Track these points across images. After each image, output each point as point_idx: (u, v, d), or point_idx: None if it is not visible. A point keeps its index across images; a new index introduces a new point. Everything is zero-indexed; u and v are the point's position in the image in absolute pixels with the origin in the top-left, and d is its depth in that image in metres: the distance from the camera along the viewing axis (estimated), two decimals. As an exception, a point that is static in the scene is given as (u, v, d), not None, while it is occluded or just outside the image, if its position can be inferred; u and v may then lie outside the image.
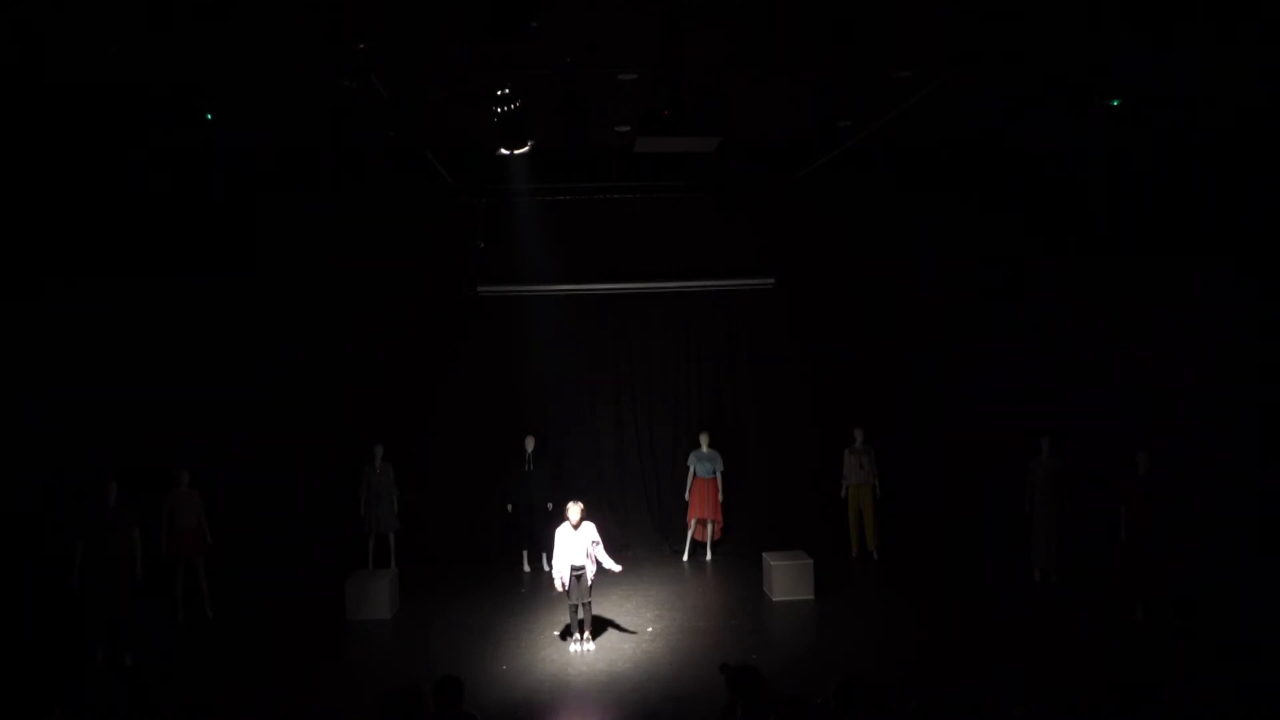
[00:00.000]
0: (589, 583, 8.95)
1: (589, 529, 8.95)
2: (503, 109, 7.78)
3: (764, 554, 10.87)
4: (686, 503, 12.28)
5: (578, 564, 8.85)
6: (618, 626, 9.61)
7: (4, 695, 7.62)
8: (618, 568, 9.14)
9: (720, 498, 12.20)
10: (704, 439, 12.25)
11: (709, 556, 12.32)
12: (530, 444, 11.85)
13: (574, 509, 8.94)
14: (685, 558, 12.34)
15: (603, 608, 9.81)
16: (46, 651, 8.90)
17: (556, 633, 9.45)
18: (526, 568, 11.96)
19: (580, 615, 8.99)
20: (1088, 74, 8.15)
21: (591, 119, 8.41)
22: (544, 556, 11.79)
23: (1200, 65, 7.81)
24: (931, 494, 12.29)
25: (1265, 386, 9.37)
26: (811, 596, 10.34)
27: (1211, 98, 8.60)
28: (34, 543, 9.50)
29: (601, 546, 9.00)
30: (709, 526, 12.34)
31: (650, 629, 9.57)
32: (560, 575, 8.89)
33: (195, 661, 9.03)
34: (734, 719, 5.09)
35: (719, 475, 12.17)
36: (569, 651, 8.94)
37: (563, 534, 8.93)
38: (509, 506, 11.81)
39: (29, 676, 8.36)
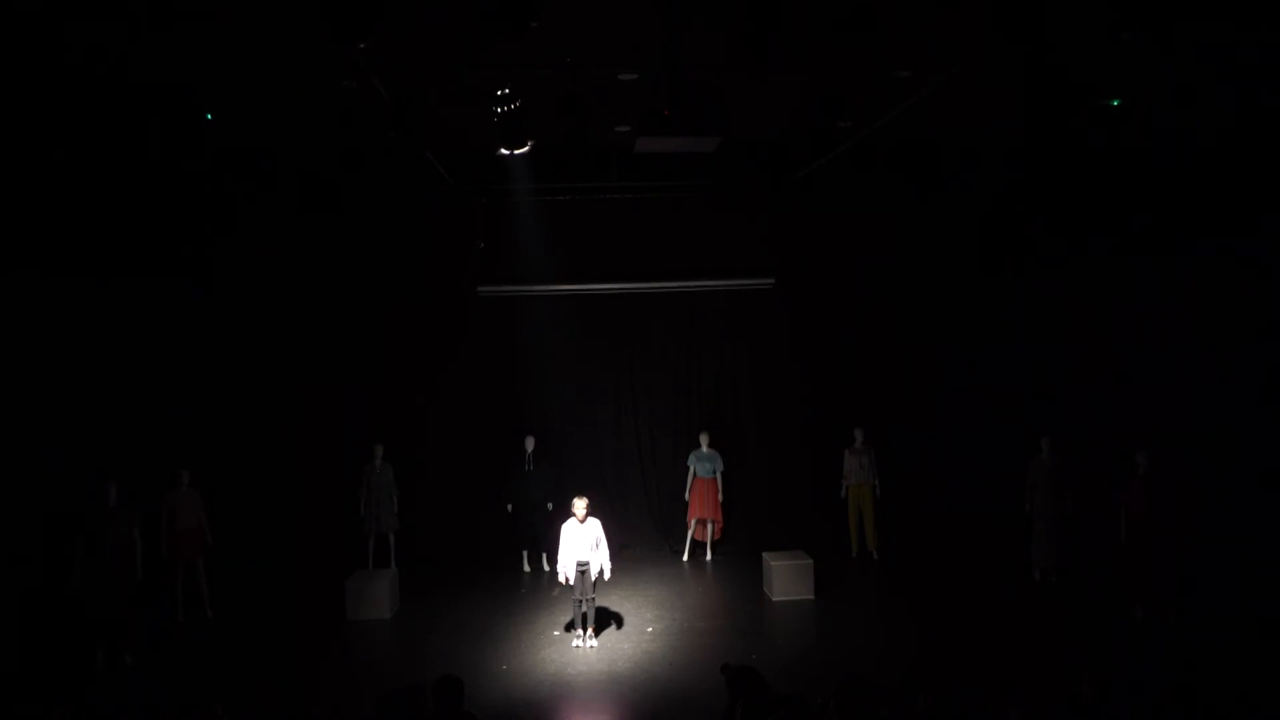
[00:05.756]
0: (593, 579, 8.97)
1: (594, 525, 8.98)
2: (503, 109, 7.79)
3: (764, 554, 10.88)
4: (686, 503, 12.28)
5: (583, 559, 8.87)
6: (618, 625, 9.63)
7: (4, 695, 7.62)
8: (607, 574, 9.09)
9: (720, 498, 12.20)
10: (704, 439, 12.26)
11: (709, 556, 12.32)
12: (530, 444, 11.85)
13: (579, 504, 8.97)
14: (685, 558, 12.34)
15: (603, 606, 9.81)
16: (46, 651, 8.90)
17: (557, 632, 9.47)
18: (526, 568, 11.97)
19: (584, 609, 9.01)
20: (1088, 74, 8.15)
21: (591, 119, 8.41)
22: (544, 557, 11.81)
23: (1200, 65, 7.81)
24: (931, 494, 12.29)
25: (1265, 386, 9.37)
26: (811, 596, 10.35)
27: (1211, 97, 8.60)
28: (35, 543, 9.48)
29: (605, 545, 9.02)
30: (709, 526, 12.34)
31: (650, 629, 9.58)
32: (565, 570, 8.92)
33: (195, 661, 9.04)
34: (734, 719, 5.09)
35: (719, 475, 12.17)
36: (569, 650, 8.95)
37: (568, 529, 8.96)
38: (509, 507, 11.82)
39: (29, 676, 8.36)
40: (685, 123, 7.27)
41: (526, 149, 8.17)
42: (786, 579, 10.42)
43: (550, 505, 11.62)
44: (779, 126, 10.23)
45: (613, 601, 10.22)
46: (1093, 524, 10.38)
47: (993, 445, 11.84)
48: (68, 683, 8.30)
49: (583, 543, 8.90)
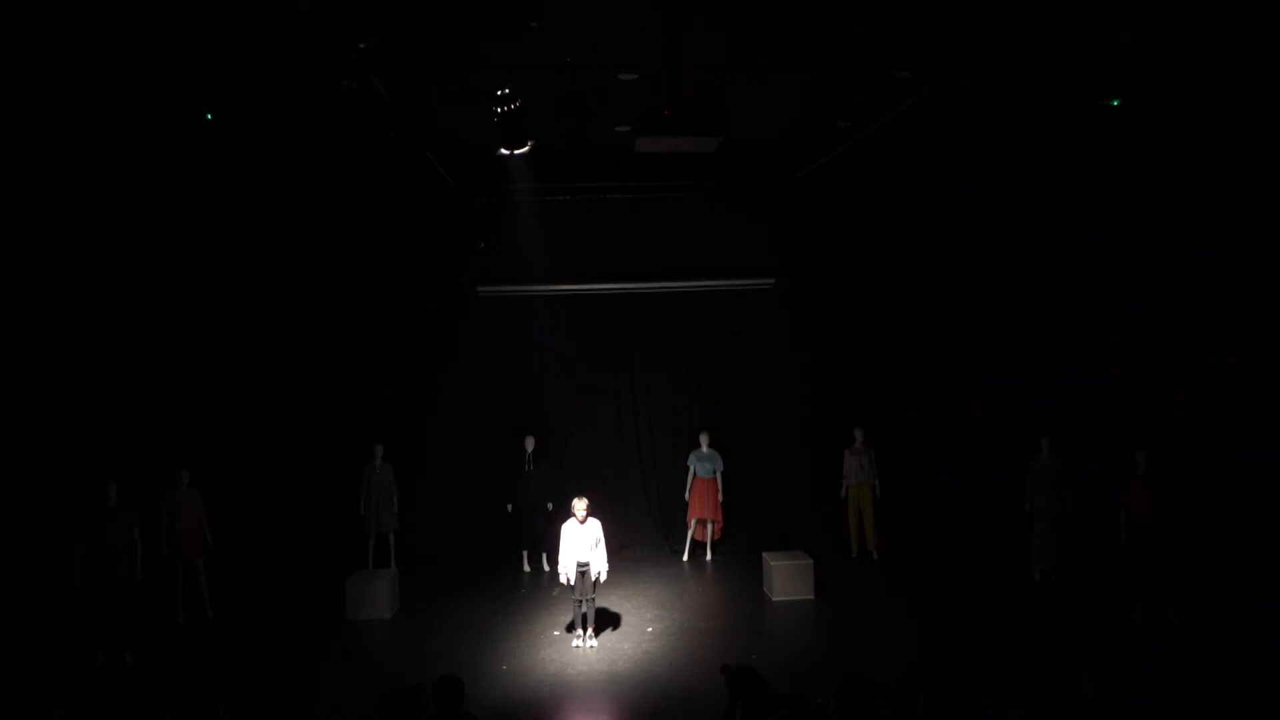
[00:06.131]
0: (593, 579, 8.97)
1: (594, 525, 8.98)
2: (503, 109, 7.79)
3: (764, 554, 10.87)
4: (686, 503, 12.28)
5: (583, 560, 8.87)
6: (618, 625, 9.63)
7: (4, 695, 7.61)
8: (603, 576, 9.09)
9: (720, 498, 12.20)
10: (704, 439, 12.26)
11: (709, 556, 12.32)
12: (530, 444, 11.85)
13: (579, 504, 8.96)
14: (685, 558, 12.34)
15: (603, 606, 9.82)
16: (47, 651, 8.89)
17: (557, 632, 9.46)
18: (526, 568, 11.96)
19: (584, 609, 9.01)
20: (1088, 74, 8.15)
21: (591, 119, 8.42)
22: (544, 557, 11.81)
23: (1199, 64, 7.81)
24: (931, 494, 12.29)
25: (1265, 386, 9.36)
26: (811, 596, 10.35)
27: (1209, 96, 8.60)
28: (35, 543, 9.49)
29: (603, 547, 9.01)
30: (709, 526, 12.34)
31: (650, 629, 9.57)
32: (565, 571, 8.92)
33: (195, 661, 9.04)
34: (734, 719, 5.09)
35: (719, 475, 12.17)
36: (569, 650, 8.95)
37: (569, 529, 8.96)
38: (509, 507, 11.82)
39: (29, 676, 8.36)
40: (685, 123, 7.28)
41: (526, 149, 8.17)
42: (786, 579, 10.42)
43: (550, 505, 11.62)
44: (779, 126, 10.23)
45: (613, 601, 10.22)
46: (1093, 524, 10.38)
47: (993, 445, 11.83)
48: (68, 683, 8.30)
49: (583, 543, 8.89)
